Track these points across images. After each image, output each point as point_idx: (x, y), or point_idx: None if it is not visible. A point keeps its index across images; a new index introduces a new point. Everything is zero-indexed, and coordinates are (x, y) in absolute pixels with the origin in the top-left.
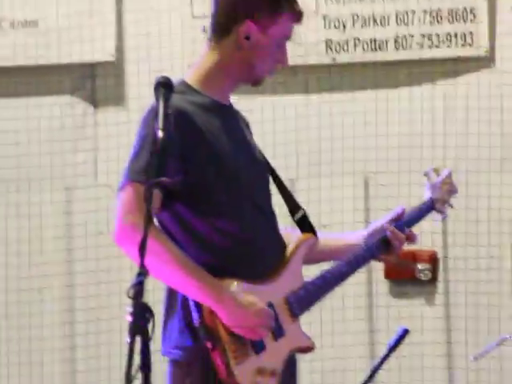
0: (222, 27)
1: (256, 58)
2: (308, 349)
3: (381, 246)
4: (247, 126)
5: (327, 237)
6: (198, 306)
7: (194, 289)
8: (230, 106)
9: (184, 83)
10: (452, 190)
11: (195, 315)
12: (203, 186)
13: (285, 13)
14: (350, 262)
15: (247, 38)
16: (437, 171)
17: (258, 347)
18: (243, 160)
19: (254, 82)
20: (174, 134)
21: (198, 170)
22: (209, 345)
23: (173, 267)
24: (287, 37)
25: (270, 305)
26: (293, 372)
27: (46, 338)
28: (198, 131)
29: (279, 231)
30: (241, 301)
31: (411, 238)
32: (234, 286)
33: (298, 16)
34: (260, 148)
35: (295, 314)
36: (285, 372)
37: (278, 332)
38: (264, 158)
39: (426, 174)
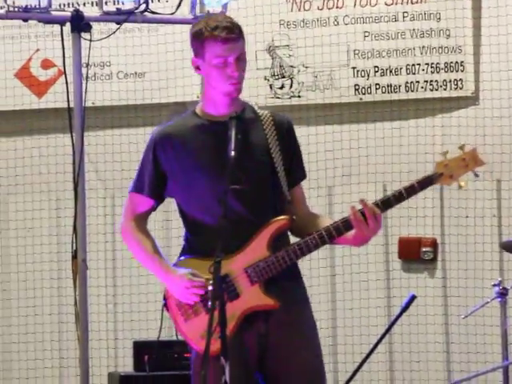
0: None
1: (212, 80)
2: (268, 306)
3: (346, 224)
4: (282, 128)
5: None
6: None
7: (152, 270)
8: (227, 121)
9: (192, 111)
10: (468, 165)
11: None
12: (180, 188)
13: (206, 39)
14: (321, 236)
15: (198, 68)
16: (461, 148)
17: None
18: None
19: (226, 95)
20: (154, 154)
21: (174, 176)
22: (165, 308)
23: (140, 257)
24: (223, 56)
25: (226, 275)
26: (267, 324)
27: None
28: (178, 148)
29: (255, 219)
30: (176, 276)
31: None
32: (182, 262)
33: (219, 38)
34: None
35: (254, 281)
36: (259, 326)
37: (232, 295)
38: (263, 158)
39: (442, 152)
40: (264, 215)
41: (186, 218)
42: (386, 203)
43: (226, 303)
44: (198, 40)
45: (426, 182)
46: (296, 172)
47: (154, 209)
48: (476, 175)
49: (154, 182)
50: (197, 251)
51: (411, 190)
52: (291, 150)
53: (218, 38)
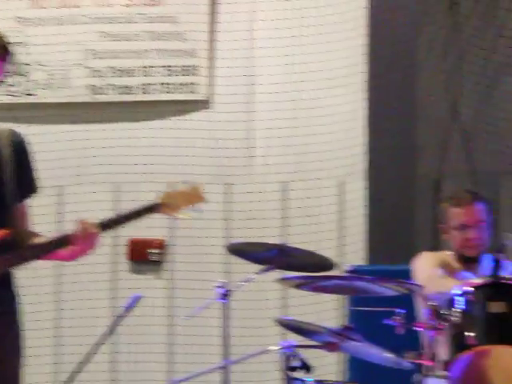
0: None
1: None
2: None
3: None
4: (17, 145)
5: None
6: None
7: None
8: None
9: None
10: (190, 200)
11: None
12: None
13: None
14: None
15: None
16: (188, 184)
17: None
18: None
19: None
20: None
21: None
22: None
23: None
24: None
25: None
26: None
27: None
28: None
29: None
30: None
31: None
32: None
33: None
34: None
35: None
36: None
37: None
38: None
39: (172, 184)
40: None
41: None
42: (106, 226)
43: None
44: None
45: (147, 210)
46: (25, 186)
47: None
48: (197, 211)
49: None
50: None
51: (130, 218)
52: (23, 164)
53: None
